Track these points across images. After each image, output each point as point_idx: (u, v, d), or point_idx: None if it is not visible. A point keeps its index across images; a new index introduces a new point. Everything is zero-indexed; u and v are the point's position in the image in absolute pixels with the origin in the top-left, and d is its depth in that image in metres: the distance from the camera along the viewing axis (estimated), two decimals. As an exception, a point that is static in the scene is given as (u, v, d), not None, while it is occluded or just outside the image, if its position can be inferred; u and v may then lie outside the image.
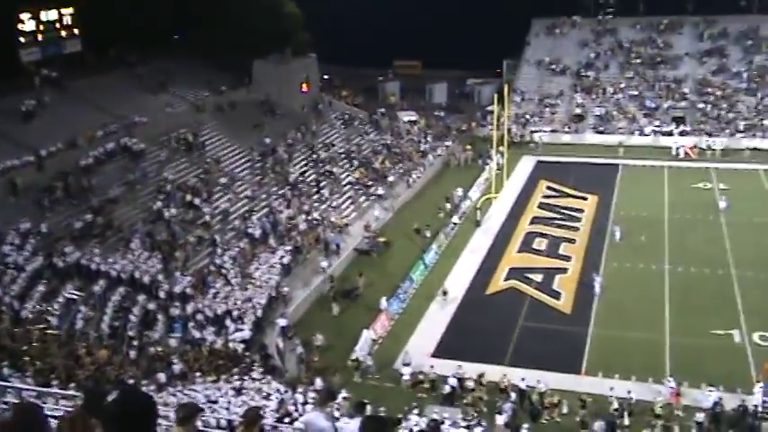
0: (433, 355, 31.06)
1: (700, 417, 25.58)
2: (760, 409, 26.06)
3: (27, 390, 16.74)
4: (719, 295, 35.20)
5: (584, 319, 33.60)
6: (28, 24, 45.60)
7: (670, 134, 62.18)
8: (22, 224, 32.85)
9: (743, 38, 71.71)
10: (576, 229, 44.78)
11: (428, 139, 61.70)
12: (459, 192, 50.29)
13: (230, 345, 29.99)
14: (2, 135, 38.57)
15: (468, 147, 61.53)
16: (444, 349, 31.62)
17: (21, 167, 36.75)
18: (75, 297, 29.62)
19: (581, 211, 47.71)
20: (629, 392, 26.73)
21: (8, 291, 28.88)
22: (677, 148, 58.91)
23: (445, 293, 35.97)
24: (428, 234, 43.37)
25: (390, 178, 51.74)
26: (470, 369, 28.76)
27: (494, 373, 28.78)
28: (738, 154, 57.65)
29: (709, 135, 60.63)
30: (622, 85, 69.90)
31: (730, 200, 46.33)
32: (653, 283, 36.96)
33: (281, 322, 32.47)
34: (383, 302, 34.53)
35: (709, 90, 66.74)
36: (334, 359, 30.73)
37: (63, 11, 47.79)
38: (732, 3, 75.71)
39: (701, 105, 65.34)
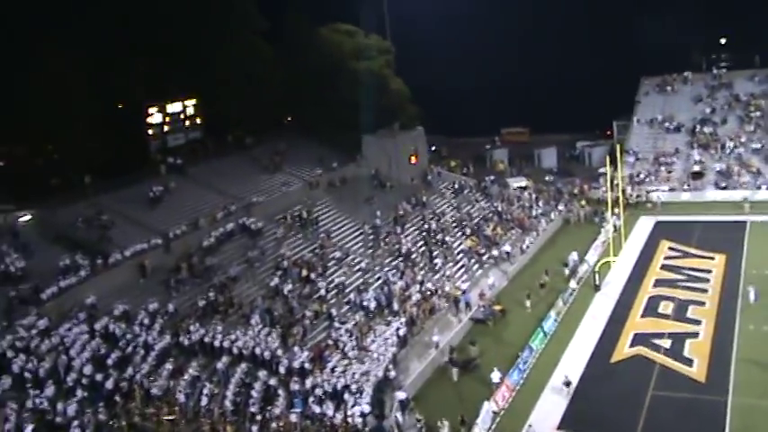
0: (559, 428, 29.72)
1: None
2: None
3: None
4: None
5: (721, 387, 31.28)
6: (155, 117, 49.14)
7: (800, 186, 58.85)
8: (150, 304, 34.52)
9: None
10: (705, 290, 42.32)
11: (539, 204, 60.85)
12: (575, 255, 48.85)
13: (349, 420, 29.82)
14: (133, 221, 41.15)
15: (584, 203, 61.21)
16: (570, 421, 30.16)
17: (149, 250, 38.83)
18: (198, 374, 30.49)
19: (708, 271, 45.18)
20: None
21: (138, 369, 30.15)
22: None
23: (568, 384, 32.38)
24: (528, 304, 42.14)
25: (506, 246, 50.98)
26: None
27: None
28: None
29: None
30: (743, 139, 67.04)
31: None
32: (796, 345, 34.18)
33: (400, 395, 32.00)
34: (495, 375, 33.14)
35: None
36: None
37: (186, 102, 51.27)
38: None
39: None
